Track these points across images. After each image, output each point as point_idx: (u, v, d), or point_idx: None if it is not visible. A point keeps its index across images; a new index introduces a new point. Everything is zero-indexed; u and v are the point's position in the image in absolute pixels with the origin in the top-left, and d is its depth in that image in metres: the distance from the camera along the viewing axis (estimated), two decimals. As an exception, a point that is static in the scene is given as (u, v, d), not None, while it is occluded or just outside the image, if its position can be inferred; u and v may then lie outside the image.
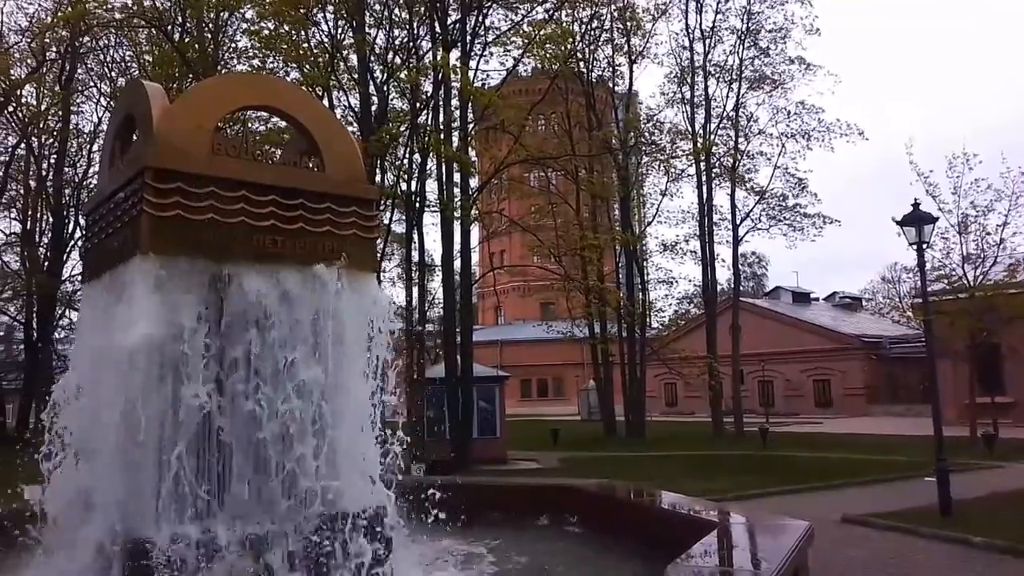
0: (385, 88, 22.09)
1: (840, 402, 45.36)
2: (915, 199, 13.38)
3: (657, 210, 32.80)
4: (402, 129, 21.90)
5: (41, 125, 28.28)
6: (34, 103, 28.23)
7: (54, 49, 27.21)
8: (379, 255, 20.04)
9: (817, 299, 60.05)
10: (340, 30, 21.65)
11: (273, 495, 4.46)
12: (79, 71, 28.38)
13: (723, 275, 35.30)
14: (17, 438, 26.16)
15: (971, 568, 8.82)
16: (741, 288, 37.73)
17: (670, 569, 3.81)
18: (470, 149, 24.41)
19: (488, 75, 26.50)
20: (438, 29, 21.92)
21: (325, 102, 19.39)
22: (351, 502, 4.70)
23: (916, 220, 12.96)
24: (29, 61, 28.08)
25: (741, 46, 31.13)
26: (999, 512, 11.82)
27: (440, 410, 20.98)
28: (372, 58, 21.87)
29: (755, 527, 5.21)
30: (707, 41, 31.37)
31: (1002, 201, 24.68)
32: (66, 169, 29.61)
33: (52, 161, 29.57)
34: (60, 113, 28.10)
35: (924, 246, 13.18)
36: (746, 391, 36.33)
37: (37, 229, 30.75)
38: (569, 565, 5.48)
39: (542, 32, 21.88)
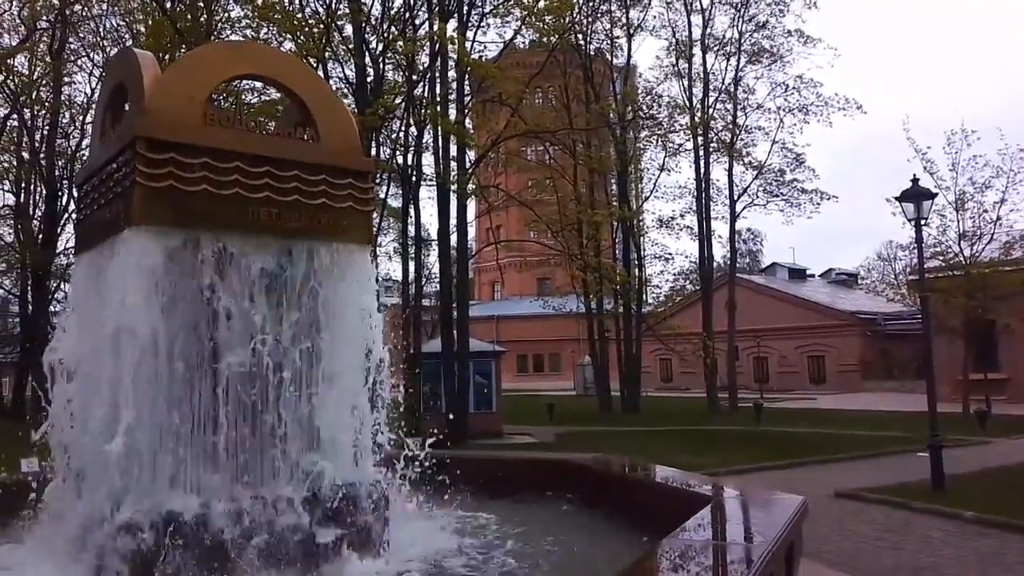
0: (381, 59, 21.80)
1: (834, 378, 45.58)
2: (914, 175, 13.34)
3: (654, 185, 32.72)
4: (398, 101, 21.66)
5: (33, 96, 27.89)
6: (25, 73, 27.85)
7: (45, 18, 26.80)
8: (375, 229, 19.99)
9: (813, 275, 60.09)
10: (335, -1, 21.31)
11: (264, 469, 4.46)
12: (71, 40, 27.92)
13: (719, 252, 35.28)
14: (13, 411, 26.23)
15: (962, 542, 8.92)
16: (737, 264, 37.71)
17: (665, 542, 3.82)
18: (467, 122, 24.17)
19: (485, 47, 26.21)
20: (435, -1, 21.60)
21: (320, 73, 19.12)
22: (345, 476, 4.70)
23: (915, 196, 12.92)
24: (20, 30, 27.69)
25: (740, 18, 30.84)
26: (990, 487, 11.96)
27: (436, 385, 21.09)
28: (368, 28, 21.57)
29: (749, 502, 5.23)
30: (705, 13, 31.06)
31: (1000, 178, 24.71)
32: (59, 140, 29.27)
33: (44, 132, 29.25)
34: (52, 83, 27.72)
35: (922, 222, 13.16)
36: (741, 367, 36.43)
37: (30, 201, 30.49)
38: (564, 537, 5.50)
39: (541, 3, 21.58)
